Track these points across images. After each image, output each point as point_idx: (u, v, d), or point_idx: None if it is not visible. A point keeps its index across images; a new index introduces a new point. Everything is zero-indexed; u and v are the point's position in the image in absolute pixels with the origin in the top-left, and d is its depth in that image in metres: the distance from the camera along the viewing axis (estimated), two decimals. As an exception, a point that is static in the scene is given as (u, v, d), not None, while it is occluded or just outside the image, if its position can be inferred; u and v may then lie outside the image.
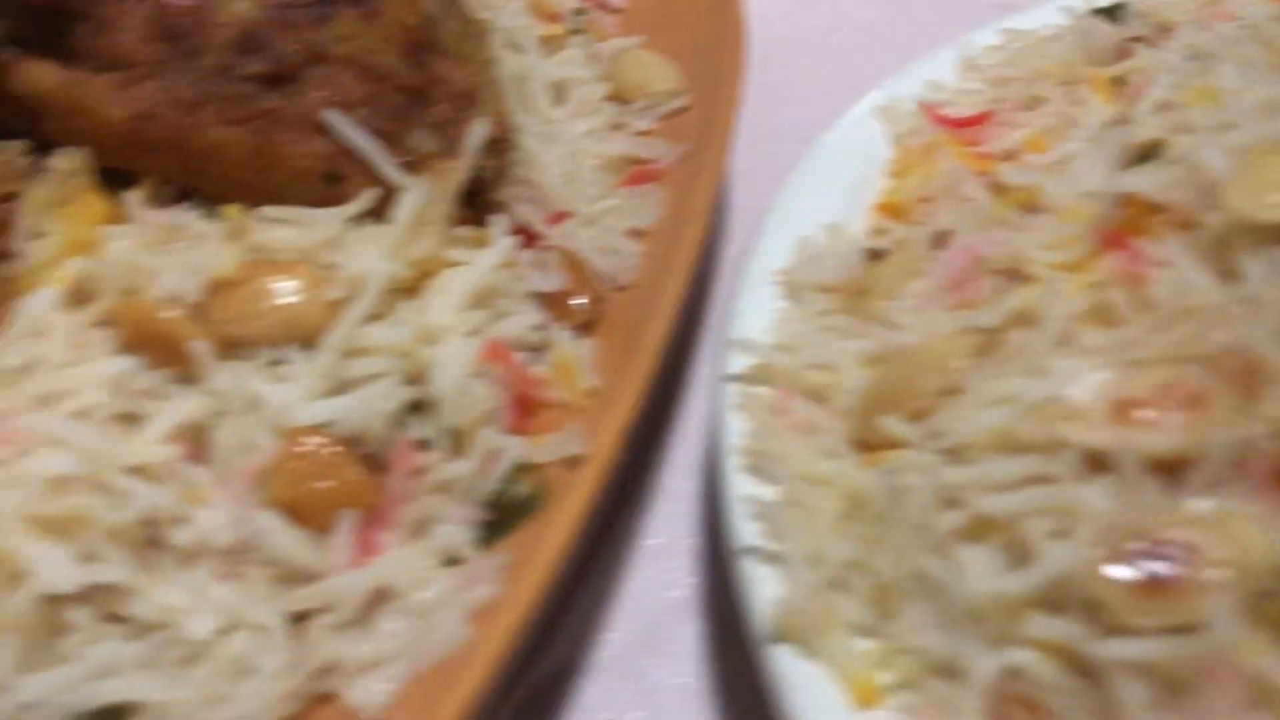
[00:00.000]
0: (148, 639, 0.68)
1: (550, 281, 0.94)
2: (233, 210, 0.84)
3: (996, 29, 1.22)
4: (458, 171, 0.90)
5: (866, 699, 0.69)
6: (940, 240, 0.92)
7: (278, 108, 0.89)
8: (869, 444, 0.79)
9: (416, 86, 0.97)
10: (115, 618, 0.68)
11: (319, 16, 0.92)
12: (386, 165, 0.90)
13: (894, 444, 0.77)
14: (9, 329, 0.75)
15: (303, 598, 0.72)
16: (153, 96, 0.87)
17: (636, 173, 1.08)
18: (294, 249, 0.84)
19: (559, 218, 1.02)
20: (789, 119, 1.28)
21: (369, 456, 0.78)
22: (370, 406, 0.78)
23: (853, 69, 1.42)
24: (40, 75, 0.89)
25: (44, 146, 0.91)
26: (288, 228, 0.85)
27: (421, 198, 0.87)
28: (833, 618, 0.71)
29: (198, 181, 0.89)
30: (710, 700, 0.85)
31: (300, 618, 0.72)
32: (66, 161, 0.87)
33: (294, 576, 0.74)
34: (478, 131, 0.91)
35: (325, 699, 0.70)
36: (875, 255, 0.95)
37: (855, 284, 0.92)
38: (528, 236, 0.99)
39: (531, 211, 1.00)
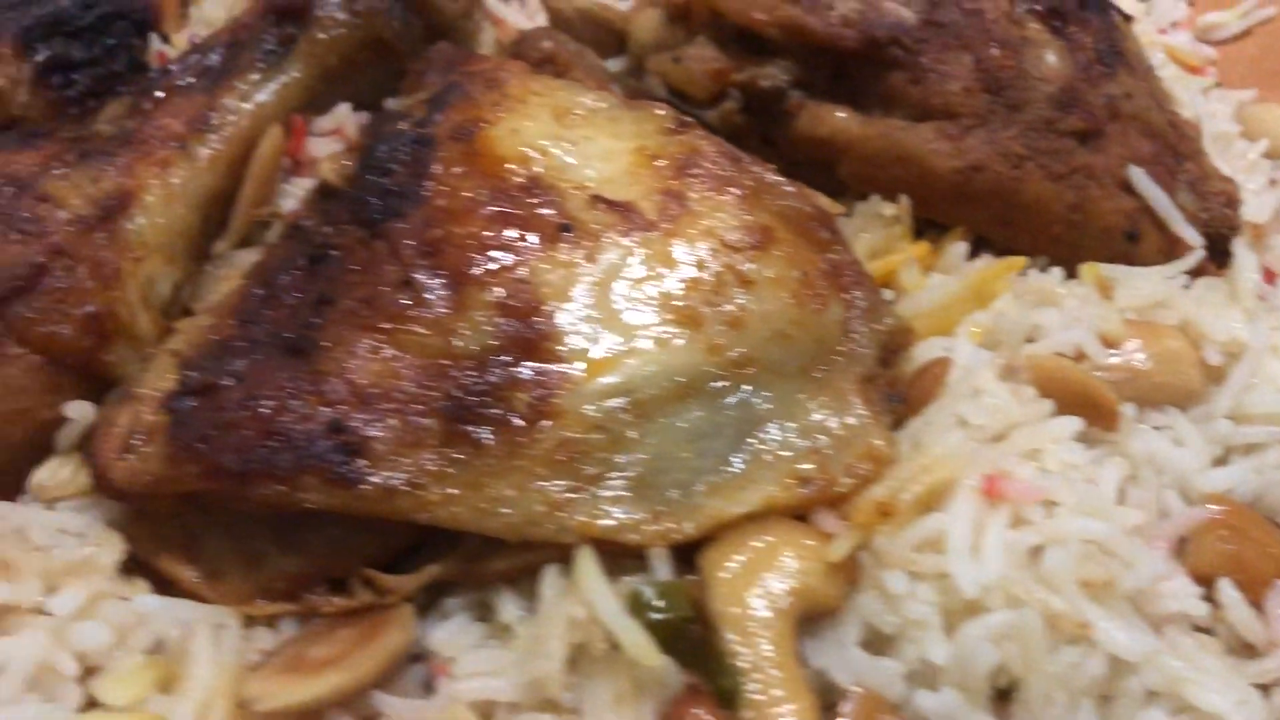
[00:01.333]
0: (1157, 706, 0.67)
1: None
2: (1092, 269, 0.84)
3: None
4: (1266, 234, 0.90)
5: None
6: None
7: (1090, 163, 0.89)
8: None
9: (1174, 143, 0.97)
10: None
11: (1109, 72, 0.92)
12: (1182, 224, 0.90)
13: None
14: (948, 384, 0.75)
15: (1264, 671, 0.72)
16: (981, 148, 0.87)
17: (1332, 236, 1.06)
18: (1136, 308, 0.83)
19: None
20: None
21: (1271, 525, 0.77)
22: (1267, 475, 0.77)
23: None
24: (842, 121, 0.90)
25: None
26: (1123, 286, 0.84)
27: (1251, 262, 0.87)
28: None
29: (1006, 234, 0.89)
30: None
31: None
32: (889, 209, 0.88)
33: (1233, 647, 0.73)
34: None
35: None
36: None
37: None
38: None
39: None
